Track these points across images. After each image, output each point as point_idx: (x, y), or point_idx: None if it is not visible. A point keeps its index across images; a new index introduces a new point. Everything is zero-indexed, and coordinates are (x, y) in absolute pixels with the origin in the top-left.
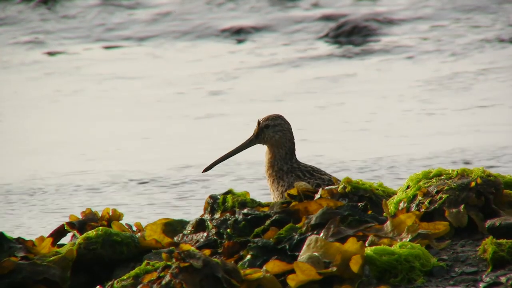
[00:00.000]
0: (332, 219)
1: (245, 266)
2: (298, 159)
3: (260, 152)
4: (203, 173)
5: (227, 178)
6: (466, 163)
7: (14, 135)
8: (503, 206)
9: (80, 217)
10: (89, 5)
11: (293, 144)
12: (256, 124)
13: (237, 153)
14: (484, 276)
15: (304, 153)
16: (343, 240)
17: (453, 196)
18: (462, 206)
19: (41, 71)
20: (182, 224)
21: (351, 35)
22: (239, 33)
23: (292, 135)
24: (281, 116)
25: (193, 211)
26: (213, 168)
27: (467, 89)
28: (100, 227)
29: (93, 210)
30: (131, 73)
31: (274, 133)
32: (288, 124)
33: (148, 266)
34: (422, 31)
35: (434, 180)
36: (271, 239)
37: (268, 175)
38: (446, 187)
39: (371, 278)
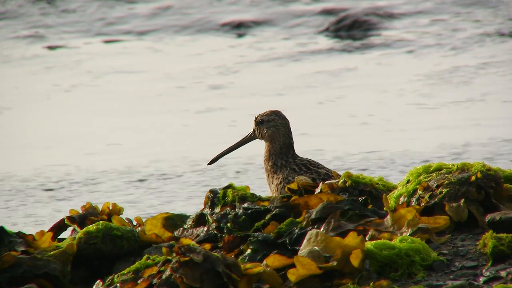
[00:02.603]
0: (332, 214)
1: (246, 260)
2: (298, 153)
3: (261, 147)
4: (209, 165)
5: (228, 172)
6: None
7: (15, 129)
8: (503, 200)
9: (80, 211)
10: None
11: (289, 139)
12: (253, 119)
13: (239, 147)
14: (484, 270)
15: (304, 147)
16: (343, 234)
17: (453, 190)
18: (462, 200)
19: (42, 65)
20: (182, 218)
21: (351, 29)
22: (239, 27)
23: (288, 130)
24: (277, 111)
25: (193, 206)
26: (215, 162)
27: (467, 83)
28: (100, 222)
29: (93, 205)
30: (131, 67)
31: (268, 129)
32: (284, 119)
33: (148, 261)
34: (423, 25)
35: (434, 174)
36: (271, 234)
37: (265, 170)
38: (446, 181)
39: (372, 272)
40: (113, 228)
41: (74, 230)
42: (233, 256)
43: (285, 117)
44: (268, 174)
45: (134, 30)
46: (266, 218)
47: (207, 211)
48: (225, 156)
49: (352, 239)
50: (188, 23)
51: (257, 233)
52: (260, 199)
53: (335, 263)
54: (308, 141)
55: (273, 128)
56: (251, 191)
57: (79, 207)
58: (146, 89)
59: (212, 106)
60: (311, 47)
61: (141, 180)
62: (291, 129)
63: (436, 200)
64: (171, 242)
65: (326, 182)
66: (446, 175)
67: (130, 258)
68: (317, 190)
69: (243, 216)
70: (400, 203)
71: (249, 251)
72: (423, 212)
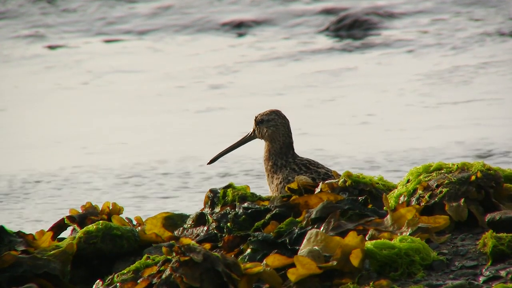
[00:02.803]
0: (332, 213)
1: (245, 260)
2: (298, 153)
3: (261, 146)
4: (208, 164)
5: (228, 172)
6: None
7: (15, 129)
8: (503, 200)
9: (80, 211)
10: None
11: (289, 139)
12: (253, 119)
13: (239, 146)
14: (484, 270)
15: (304, 147)
16: (343, 234)
17: (453, 190)
18: (462, 200)
19: (42, 64)
20: (182, 218)
21: (351, 29)
22: (239, 27)
23: (288, 130)
24: (277, 111)
25: (193, 205)
26: (215, 162)
27: (467, 83)
28: (100, 221)
29: (93, 204)
30: (131, 67)
31: (267, 128)
32: (283, 119)
33: (148, 260)
34: (423, 25)
35: (434, 174)
36: (271, 233)
37: (265, 169)
38: (446, 181)
39: (371, 272)
40: (113, 227)
41: (74, 229)
42: (233, 256)
43: (285, 116)
44: (268, 174)
45: (134, 30)
46: (266, 217)
47: (207, 210)
48: (224, 156)
49: (352, 238)
50: (188, 23)
51: (257, 233)
52: (260, 198)
53: (335, 262)
54: (308, 140)
55: (273, 128)
56: (251, 191)
57: (79, 207)
58: (146, 89)
59: (212, 106)
60: (311, 46)
61: (141, 180)
62: (291, 129)
63: (436, 199)
64: (171, 242)
65: (326, 181)
66: (446, 174)
67: (130, 257)
68: (317, 190)
69: (243, 216)
70: (400, 202)
71: (249, 250)
72: (423, 212)
